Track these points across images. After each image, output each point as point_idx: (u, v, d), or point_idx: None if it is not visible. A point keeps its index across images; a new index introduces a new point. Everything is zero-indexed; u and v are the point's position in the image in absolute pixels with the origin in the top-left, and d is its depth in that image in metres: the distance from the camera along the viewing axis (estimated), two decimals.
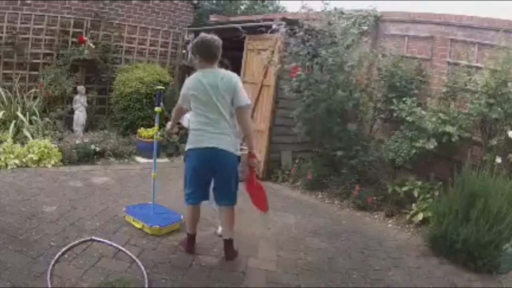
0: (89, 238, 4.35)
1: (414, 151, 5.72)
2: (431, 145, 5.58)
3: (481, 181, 4.89)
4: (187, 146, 4.19)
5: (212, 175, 4.18)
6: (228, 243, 4.31)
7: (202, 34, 4.18)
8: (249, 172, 4.26)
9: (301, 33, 6.60)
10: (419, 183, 6.01)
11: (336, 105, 6.50)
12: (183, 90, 4.22)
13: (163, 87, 5.74)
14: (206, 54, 4.11)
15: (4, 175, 6.09)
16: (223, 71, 4.18)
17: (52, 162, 6.77)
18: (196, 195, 4.23)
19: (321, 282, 4.10)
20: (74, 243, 4.19)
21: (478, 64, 5.96)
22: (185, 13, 10.62)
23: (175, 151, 8.53)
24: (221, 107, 4.00)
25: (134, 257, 4.05)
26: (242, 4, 15.82)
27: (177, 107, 4.46)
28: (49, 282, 3.45)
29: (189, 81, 4.19)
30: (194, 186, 4.21)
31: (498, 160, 5.26)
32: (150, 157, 7.15)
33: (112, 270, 3.81)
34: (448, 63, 6.45)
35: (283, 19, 6.99)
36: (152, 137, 7.79)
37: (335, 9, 7.19)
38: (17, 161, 6.48)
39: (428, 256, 4.90)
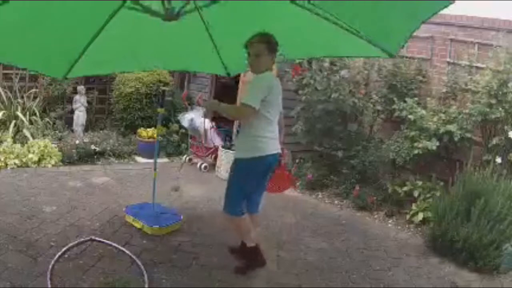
0: (89, 238, 4.35)
1: (416, 151, 5.72)
2: (433, 145, 5.58)
3: (481, 181, 4.89)
4: (253, 154, 3.78)
5: None
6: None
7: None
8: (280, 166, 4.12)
9: None
10: (420, 183, 6.00)
11: (333, 107, 6.50)
12: (264, 90, 3.67)
13: (168, 88, 5.71)
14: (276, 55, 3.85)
15: (4, 175, 6.10)
16: None
17: (52, 162, 6.77)
18: (243, 204, 3.97)
19: (321, 282, 4.10)
20: (74, 243, 4.20)
21: (478, 64, 5.96)
22: None
23: (175, 151, 8.53)
24: (279, 111, 3.94)
25: (134, 257, 4.05)
26: None
27: (250, 109, 3.62)
28: (49, 282, 3.46)
29: (268, 81, 3.75)
30: (245, 195, 3.96)
31: (499, 160, 5.26)
32: (150, 157, 7.16)
33: (112, 270, 3.82)
34: (448, 63, 6.44)
35: None
36: (152, 137, 7.82)
37: None
38: (17, 161, 6.49)
39: (428, 256, 4.90)
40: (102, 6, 3.58)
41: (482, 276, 4.49)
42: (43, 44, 3.74)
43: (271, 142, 3.83)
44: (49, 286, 3.41)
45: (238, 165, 3.90)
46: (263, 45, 3.70)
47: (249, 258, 4.12)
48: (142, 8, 3.28)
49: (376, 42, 3.81)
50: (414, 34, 6.61)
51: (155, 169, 4.99)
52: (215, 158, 7.67)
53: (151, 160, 5.71)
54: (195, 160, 7.93)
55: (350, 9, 3.38)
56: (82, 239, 4.31)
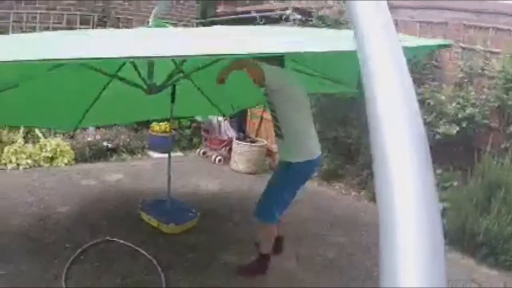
0: (104, 238, 4.30)
1: (437, 137, 5.57)
2: (454, 130, 5.45)
3: (501, 170, 4.74)
4: (298, 158, 3.59)
5: None
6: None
7: None
8: None
9: (313, 22, 6.50)
10: (438, 172, 5.87)
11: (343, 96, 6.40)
12: (277, 72, 3.49)
13: None
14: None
15: (17, 175, 6.05)
16: None
17: (65, 160, 6.72)
18: (279, 212, 3.80)
19: (341, 281, 3.99)
20: (89, 244, 4.14)
21: (494, 49, 5.81)
22: (191, 6, 10.46)
23: (188, 145, 8.46)
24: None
25: (150, 257, 3.99)
26: None
27: (262, 72, 3.31)
28: (64, 285, 3.40)
29: (281, 71, 3.58)
30: (285, 202, 3.75)
31: None
32: (163, 151, 7.09)
33: (129, 271, 3.76)
34: (463, 48, 6.29)
35: (295, 9, 6.88)
36: (165, 131, 7.74)
37: None
38: (29, 161, 6.43)
39: (447, 251, 4.78)
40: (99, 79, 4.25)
41: (501, 272, 4.34)
42: (53, 106, 4.47)
43: (315, 144, 3.74)
44: None
45: (290, 169, 3.63)
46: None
47: (258, 263, 3.93)
48: (128, 83, 3.81)
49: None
50: (428, 19, 6.70)
51: (169, 164, 4.90)
52: (229, 150, 7.59)
53: (165, 155, 5.64)
54: (209, 153, 7.84)
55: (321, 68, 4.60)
56: (97, 240, 4.25)
